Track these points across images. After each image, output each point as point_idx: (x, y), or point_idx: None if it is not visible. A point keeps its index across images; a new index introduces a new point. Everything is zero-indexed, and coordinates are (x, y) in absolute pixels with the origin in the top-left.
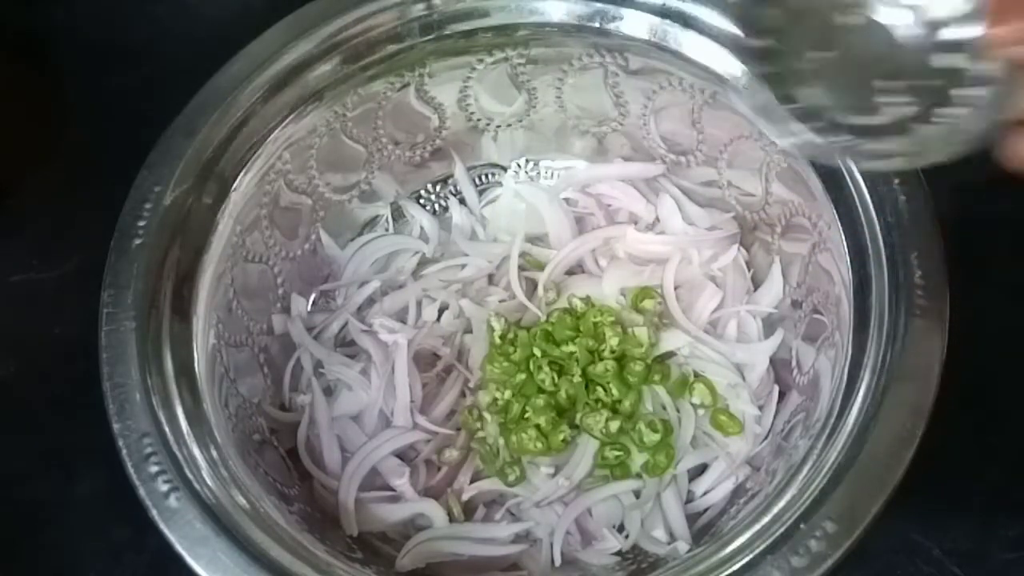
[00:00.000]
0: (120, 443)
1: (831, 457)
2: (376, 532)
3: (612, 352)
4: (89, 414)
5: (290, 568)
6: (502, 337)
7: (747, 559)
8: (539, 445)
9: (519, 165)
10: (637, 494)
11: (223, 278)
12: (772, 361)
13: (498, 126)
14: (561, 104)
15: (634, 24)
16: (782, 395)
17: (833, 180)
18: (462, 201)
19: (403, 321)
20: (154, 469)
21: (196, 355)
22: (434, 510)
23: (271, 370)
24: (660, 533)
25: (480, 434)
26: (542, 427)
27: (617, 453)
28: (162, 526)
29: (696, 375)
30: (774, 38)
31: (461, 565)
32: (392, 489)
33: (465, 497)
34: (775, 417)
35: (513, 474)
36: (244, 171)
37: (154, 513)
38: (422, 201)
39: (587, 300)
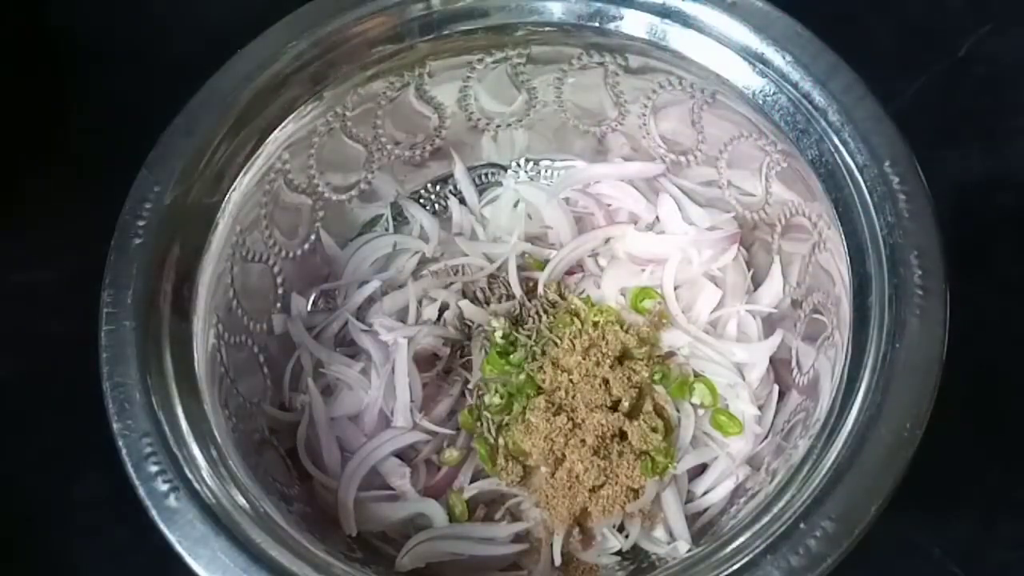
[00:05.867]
0: (120, 443)
1: (831, 457)
2: (376, 532)
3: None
4: (89, 414)
5: (290, 568)
6: (503, 337)
7: (747, 559)
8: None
9: (519, 165)
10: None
11: (223, 278)
12: (772, 361)
13: (498, 126)
14: (561, 104)
15: (634, 24)
16: (782, 395)
17: (833, 180)
18: (462, 201)
19: (403, 321)
20: (154, 469)
21: (196, 355)
22: (434, 510)
23: (271, 370)
24: (660, 533)
25: (480, 434)
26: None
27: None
28: (162, 526)
29: (696, 375)
30: None
31: (461, 565)
32: (392, 489)
33: (465, 497)
34: (775, 417)
35: (513, 474)
36: (244, 171)
37: (154, 513)
38: (422, 201)
39: (587, 300)
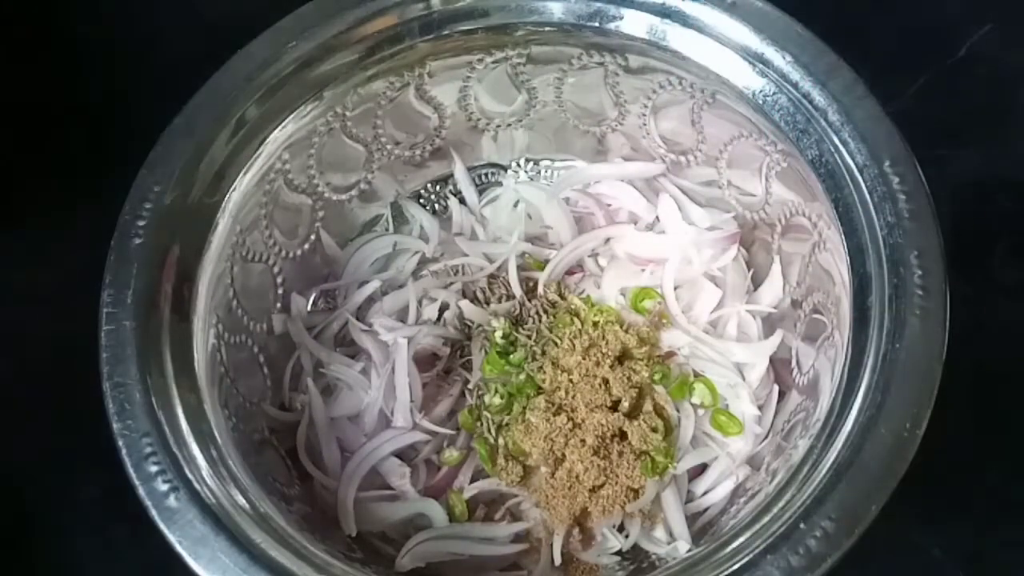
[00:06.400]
0: (120, 443)
1: (831, 457)
2: (376, 532)
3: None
4: (89, 414)
5: (290, 568)
6: (503, 337)
7: (747, 559)
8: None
9: (519, 165)
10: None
11: (223, 278)
12: (772, 361)
13: (498, 126)
14: (561, 104)
15: (634, 24)
16: (782, 395)
17: (833, 180)
18: (462, 201)
19: (403, 321)
20: (154, 469)
21: (196, 355)
22: (434, 510)
23: (271, 370)
24: (660, 533)
25: (480, 434)
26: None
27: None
28: (162, 526)
29: (696, 375)
30: None
31: (461, 565)
32: (392, 489)
33: (465, 497)
34: (775, 417)
35: (513, 474)
36: (244, 171)
37: (154, 513)
38: (422, 201)
39: (587, 300)
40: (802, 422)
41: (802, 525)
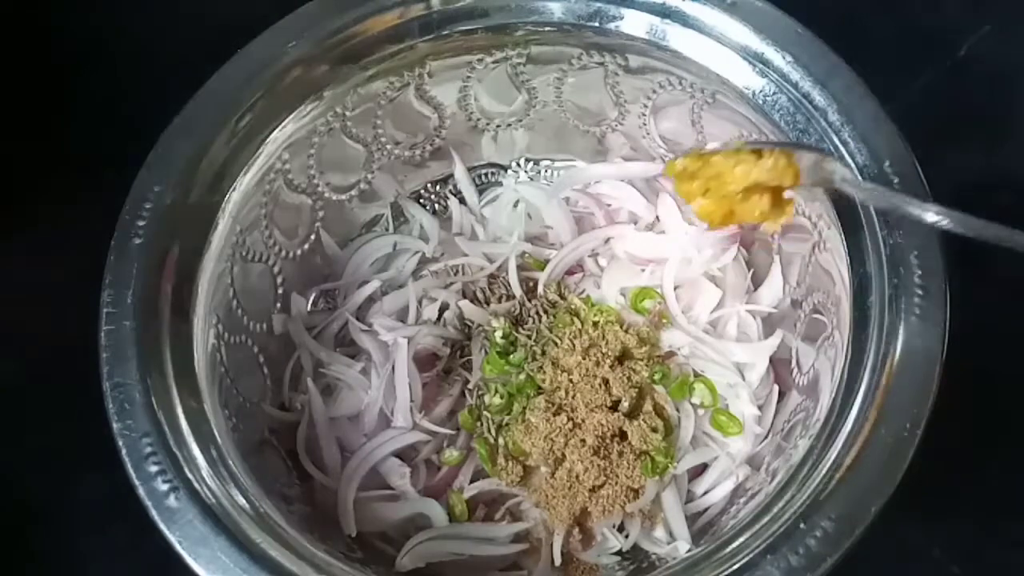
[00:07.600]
0: (120, 443)
1: (831, 457)
2: (376, 532)
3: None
4: (89, 414)
5: (290, 568)
6: (503, 337)
7: (747, 559)
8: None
9: (519, 165)
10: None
11: (223, 278)
12: (772, 361)
13: (498, 126)
14: (561, 104)
15: (634, 24)
16: (782, 395)
17: None
18: (462, 201)
19: (403, 321)
20: (154, 469)
21: (196, 355)
22: (434, 510)
23: (271, 370)
24: (660, 533)
25: (480, 434)
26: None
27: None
28: (162, 526)
29: (696, 375)
30: None
31: (461, 565)
32: (392, 489)
33: (465, 497)
34: (775, 417)
35: (513, 474)
36: (244, 171)
37: (154, 513)
38: (422, 201)
39: (587, 300)
40: (802, 422)
41: (802, 525)
